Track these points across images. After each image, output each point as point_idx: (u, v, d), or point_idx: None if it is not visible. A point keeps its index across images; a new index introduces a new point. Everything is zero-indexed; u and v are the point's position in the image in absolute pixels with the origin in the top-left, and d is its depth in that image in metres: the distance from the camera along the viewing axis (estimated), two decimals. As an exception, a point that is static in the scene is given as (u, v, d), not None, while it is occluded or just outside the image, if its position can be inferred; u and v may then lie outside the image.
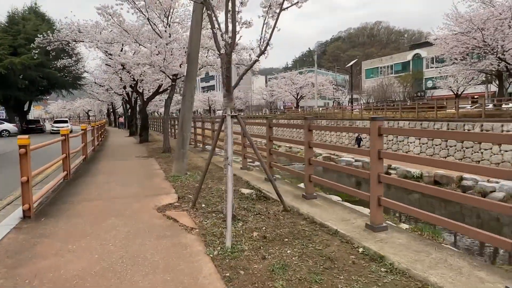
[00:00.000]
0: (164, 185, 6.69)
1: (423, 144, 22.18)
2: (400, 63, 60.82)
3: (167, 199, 5.53)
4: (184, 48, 10.99)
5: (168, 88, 16.63)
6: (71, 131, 9.74)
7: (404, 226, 6.18)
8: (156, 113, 73.43)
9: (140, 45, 10.58)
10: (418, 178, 17.70)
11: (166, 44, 10.21)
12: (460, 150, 19.59)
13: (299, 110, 51.27)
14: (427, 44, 57.99)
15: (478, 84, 37.26)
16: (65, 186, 6.69)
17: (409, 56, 58.80)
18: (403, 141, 23.80)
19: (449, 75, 33.87)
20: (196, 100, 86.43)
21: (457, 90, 37.73)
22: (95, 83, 28.74)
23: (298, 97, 52.48)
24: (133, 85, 17.02)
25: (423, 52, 56.17)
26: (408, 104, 32.25)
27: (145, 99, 17.39)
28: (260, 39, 4.19)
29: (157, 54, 10.54)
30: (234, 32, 3.97)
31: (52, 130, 32.75)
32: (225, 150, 4.46)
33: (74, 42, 14.45)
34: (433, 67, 54.17)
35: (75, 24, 13.81)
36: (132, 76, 16.31)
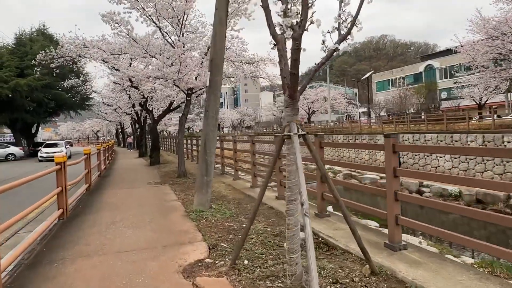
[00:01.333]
0: (186, 226, 5.15)
1: (455, 158, 20.36)
2: (412, 75, 59.58)
3: (195, 253, 3.97)
4: (202, 56, 9.66)
5: (182, 104, 15.31)
6: (69, 157, 8.31)
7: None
8: (164, 132, 72.70)
9: (151, 56, 9.28)
10: (457, 196, 15.91)
11: (180, 54, 8.87)
12: (500, 164, 17.74)
13: (312, 125, 49.75)
14: (440, 54, 56.86)
15: (499, 94, 35.51)
16: (58, 230, 5.19)
17: (421, 67, 57.50)
18: (430, 155, 21.98)
19: (472, 84, 32.14)
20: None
21: (480, 100, 35.92)
22: (103, 102, 27.71)
23: (310, 111, 51.06)
24: (142, 103, 15.76)
25: (435, 63, 54.90)
26: (433, 115, 30.50)
27: (155, 118, 16.08)
28: (339, 17, 2.72)
29: (170, 66, 9.20)
30: (305, 4, 2.50)
31: (41, 157, 23.75)
32: (287, 187, 2.94)
33: (79, 58, 13.25)
34: (447, 78, 52.74)
35: (80, 39, 12.65)
36: (141, 93, 15.05)
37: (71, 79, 23.47)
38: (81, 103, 38.29)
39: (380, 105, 53.01)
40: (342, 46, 2.75)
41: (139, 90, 14.81)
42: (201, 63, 9.95)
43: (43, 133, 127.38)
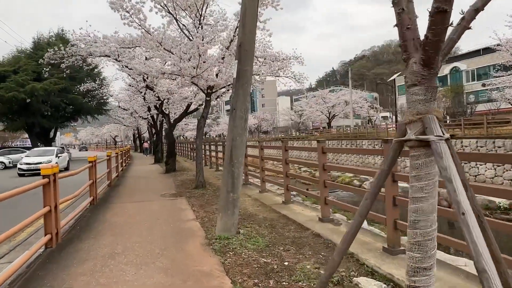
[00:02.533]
0: (208, 264, 3.79)
1: (498, 166, 18.42)
2: (436, 78, 56.93)
3: (224, 321, 2.60)
4: (224, 50, 8.38)
5: (200, 107, 14.11)
6: (66, 168, 7.09)
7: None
8: (181, 137, 72.22)
9: (166, 50, 8.06)
10: (507, 209, 14.07)
11: (200, 46, 7.60)
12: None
13: (333, 129, 47.95)
14: (467, 56, 54.16)
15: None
16: (39, 266, 3.92)
17: (446, 70, 55.04)
18: (469, 163, 20.11)
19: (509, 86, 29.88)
20: (222, 122, 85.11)
21: (517, 102, 33.48)
22: (119, 107, 26.94)
23: (330, 116, 49.26)
24: (158, 105, 14.64)
25: (462, 65, 52.44)
26: (471, 119, 28.34)
27: (171, 121, 14.92)
28: None
29: (187, 60, 7.95)
30: None
31: (20, 170, 17.49)
32: (413, 219, 1.54)
33: (90, 56, 12.22)
34: (475, 80, 50.26)
35: (91, 35, 11.61)
36: (156, 95, 13.92)
37: (87, 82, 22.82)
38: (98, 108, 37.86)
39: (403, 109, 50.79)
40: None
41: (154, 92, 13.70)
42: (222, 58, 8.66)
43: (64, 138, 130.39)
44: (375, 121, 59.33)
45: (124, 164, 18.35)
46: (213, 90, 9.34)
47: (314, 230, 4.90)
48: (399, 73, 50.51)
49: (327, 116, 49.35)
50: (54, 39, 33.93)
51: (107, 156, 10.54)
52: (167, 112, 15.32)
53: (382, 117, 64.89)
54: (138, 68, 8.08)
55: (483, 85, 48.80)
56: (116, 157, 13.46)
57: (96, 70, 37.25)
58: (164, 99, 14.76)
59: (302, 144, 34.22)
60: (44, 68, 12.94)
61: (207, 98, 9.22)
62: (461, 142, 21.36)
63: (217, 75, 8.73)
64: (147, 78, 9.62)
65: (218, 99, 11.94)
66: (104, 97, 36.66)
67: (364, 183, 20.99)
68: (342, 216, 5.98)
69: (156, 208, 7.03)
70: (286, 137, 52.73)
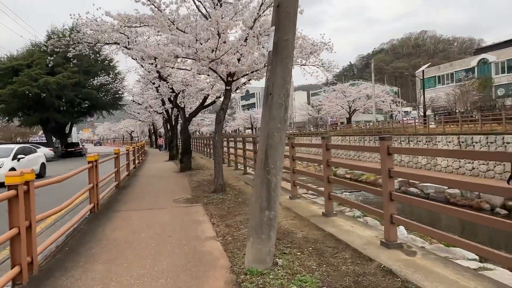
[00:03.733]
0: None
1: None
2: (462, 70, 54.40)
3: None
4: (247, 32, 7.02)
5: (217, 100, 12.82)
6: (39, 176, 5.76)
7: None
8: (197, 133, 71.48)
9: (179, 30, 6.78)
10: None
11: (220, 22, 6.26)
12: None
13: (354, 125, 46.07)
14: (496, 47, 51.09)
15: None
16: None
17: (473, 61, 52.19)
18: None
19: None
20: (238, 117, 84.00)
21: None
22: (133, 101, 26.01)
23: (351, 110, 47.29)
24: (172, 97, 13.43)
25: (491, 56, 49.54)
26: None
27: (186, 116, 13.70)
28: None
29: (205, 41, 6.63)
30: None
31: None
32: None
33: (97, 43, 11.07)
34: (505, 73, 47.44)
35: (98, 20, 10.44)
36: (170, 86, 12.71)
37: (100, 76, 21.96)
38: (114, 103, 37.24)
39: (429, 103, 48.46)
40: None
41: (167, 83, 12.49)
42: (245, 40, 7.31)
43: (82, 134, 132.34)
44: (396, 116, 57.05)
45: (137, 161, 17.31)
46: (234, 78, 7.99)
47: (382, 263, 3.50)
48: (428, 64, 48.18)
49: (347, 111, 47.43)
50: (68, 32, 33.37)
51: (115, 153, 9.37)
52: (182, 106, 14.12)
53: (404, 112, 62.30)
54: (147, 51, 6.81)
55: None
56: (127, 155, 12.34)
57: (111, 64, 36.68)
58: (179, 92, 13.56)
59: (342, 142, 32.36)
60: (48, 57, 11.90)
61: (227, 88, 7.89)
62: (502, 138, 19.44)
63: (239, 60, 7.38)
64: (158, 65, 8.38)
65: (238, 90, 10.60)
66: (119, 92, 36.06)
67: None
68: (412, 236, 4.56)
69: (167, 220, 5.76)
70: (307, 132, 51.10)
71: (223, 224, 5.37)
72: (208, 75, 8.46)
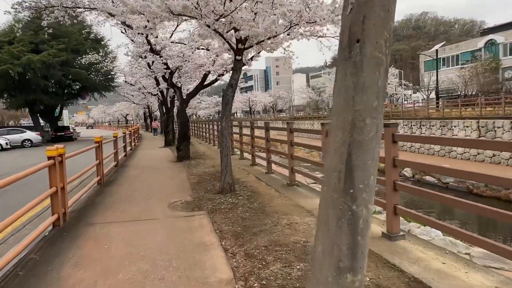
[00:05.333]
0: None
1: None
2: (468, 52, 52.39)
3: None
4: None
5: (220, 77, 10.95)
6: None
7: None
8: (194, 116, 69.45)
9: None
10: None
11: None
12: None
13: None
14: (504, 27, 48.88)
15: None
16: None
17: (480, 43, 50.06)
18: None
19: None
20: (235, 100, 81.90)
21: None
22: (126, 81, 23.98)
23: (355, 93, 45.18)
24: (167, 75, 11.52)
25: (498, 37, 47.45)
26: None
27: (184, 97, 11.84)
28: None
29: (209, -8, 4.76)
30: None
31: None
32: None
33: (76, 8, 9.06)
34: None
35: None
36: (164, 62, 10.80)
37: (89, 54, 19.93)
38: (106, 84, 35.13)
39: (432, 86, 46.72)
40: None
41: (161, 57, 10.56)
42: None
43: (77, 117, 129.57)
44: (398, 99, 55.35)
45: (130, 148, 15.52)
46: (246, 45, 6.13)
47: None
48: (443, 43, 46.12)
49: (351, 94, 45.34)
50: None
51: (96, 142, 7.56)
52: (179, 86, 12.21)
53: (405, 94, 60.36)
54: (130, 3, 4.92)
55: (526, 60, 44.11)
56: (114, 142, 10.52)
57: (102, 42, 34.35)
58: (175, 69, 11.64)
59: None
60: (16, 25, 9.91)
61: (236, 58, 6.04)
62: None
63: (254, 19, 5.51)
64: (148, 25, 6.48)
65: (248, 64, 8.66)
66: (112, 73, 33.96)
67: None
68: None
69: (160, 242, 4.03)
70: (305, 116, 49.30)
71: (240, 251, 3.65)
72: (212, 40, 6.58)
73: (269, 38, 6.37)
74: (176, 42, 11.58)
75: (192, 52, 10.55)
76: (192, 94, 11.59)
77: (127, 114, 69.05)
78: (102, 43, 34.30)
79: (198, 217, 4.98)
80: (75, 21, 10.46)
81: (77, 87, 35.27)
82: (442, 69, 52.15)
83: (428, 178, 16.99)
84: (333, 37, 9.10)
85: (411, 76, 58.41)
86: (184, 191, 6.73)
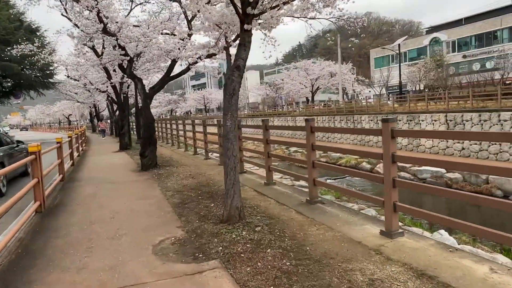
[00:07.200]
0: None
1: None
2: (415, 49, 54.86)
3: None
4: None
5: (193, 65, 8.83)
6: None
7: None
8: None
9: None
10: None
11: None
12: None
13: (319, 105, 43.89)
14: (447, 26, 51.48)
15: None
16: None
17: (425, 40, 52.55)
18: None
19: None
20: (189, 98, 78.45)
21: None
22: (68, 77, 20.61)
23: (314, 89, 44.83)
24: (125, 63, 9.17)
25: (442, 35, 50.11)
26: (482, 90, 24.87)
27: (147, 90, 9.58)
28: None
29: None
30: None
31: None
32: None
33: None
34: (455, 52, 48.19)
35: None
36: (122, 45, 8.48)
37: (21, 44, 16.54)
38: (43, 80, 30.91)
39: (382, 82, 47.99)
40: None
41: (117, 40, 8.24)
42: None
43: (11, 119, 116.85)
44: (352, 96, 56.25)
45: (77, 153, 12.80)
46: (255, 12, 4.25)
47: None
48: (405, 37, 47.08)
49: (310, 90, 44.93)
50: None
51: (31, 153, 5.20)
52: (139, 77, 9.91)
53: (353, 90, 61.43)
54: None
55: (464, 56, 46.65)
56: (59, 149, 8.00)
57: (38, 32, 30.12)
58: (135, 56, 9.34)
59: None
60: None
61: (245, 28, 4.16)
62: (498, 115, 17.74)
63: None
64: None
65: (232, 45, 6.67)
66: (50, 67, 29.90)
67: (378, 166, 16.81)
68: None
69: None
70: (267, 113, 48.01)
71: None
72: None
73: (284, 3, 4.58)
74: (134, 25, 9.32)
75: (158, 34, 8.42)
76: (157, 87, 9.38)
77: (70, 115, 62.73)
78: (38, 33, 30.14)
79: (211, 274, 3.05)
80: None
81: (9, 84, 30.69)
82: (392, 65, 53.65)
83: (403, 174, 16.20)
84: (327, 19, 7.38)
85: (360, 72, 59.58)
86: (168, 220, 4.68)
